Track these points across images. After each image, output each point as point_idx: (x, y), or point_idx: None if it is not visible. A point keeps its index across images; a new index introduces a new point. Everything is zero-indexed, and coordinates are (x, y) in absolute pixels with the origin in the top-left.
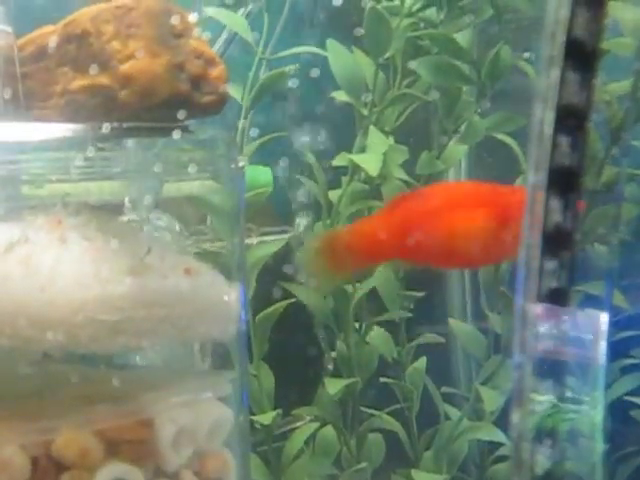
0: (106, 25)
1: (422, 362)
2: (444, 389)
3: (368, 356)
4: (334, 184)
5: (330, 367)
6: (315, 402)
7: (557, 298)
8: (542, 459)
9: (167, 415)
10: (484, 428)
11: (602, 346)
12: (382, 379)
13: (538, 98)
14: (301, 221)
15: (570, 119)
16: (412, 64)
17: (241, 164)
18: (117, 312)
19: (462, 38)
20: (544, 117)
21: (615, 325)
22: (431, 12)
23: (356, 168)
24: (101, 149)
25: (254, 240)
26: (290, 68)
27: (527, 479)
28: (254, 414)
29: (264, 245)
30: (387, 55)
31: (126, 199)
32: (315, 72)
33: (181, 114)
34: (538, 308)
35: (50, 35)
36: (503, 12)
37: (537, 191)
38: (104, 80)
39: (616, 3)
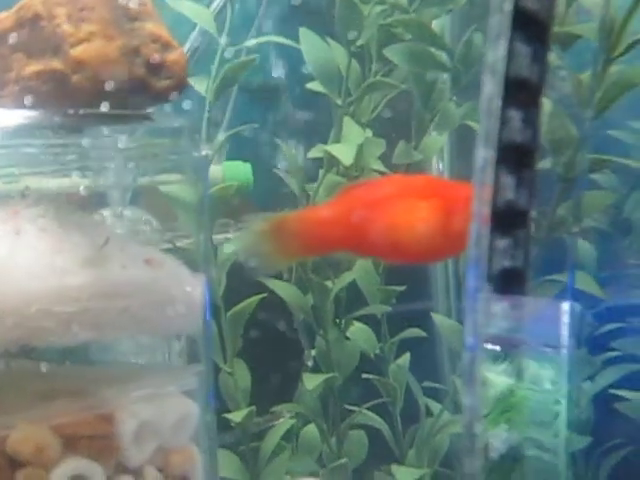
0: (58, 8)
1: (405, 358)
2: (427, 384)
3: (349, 352)
4: (315, 177)
5: (309, 363)
6: (295, 399)
7: (511, 279)
8: (497, 443)
9: (128, 409)
10: None
11: (565, 335)
12: (364, 375)
13: (487, 70)
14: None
15: (521, 93)
16: (386, 51)
17: (204, 153)
18: (73, 303)
19: (436, 25)
20: (493, 91)
21: (595, 317)
22: None
23: (332, 160)
24: (59, 137)
25: (231, 235)
26: (251, 58)
27: (480, 463)
28: (230, 412)
29: (235, 242)
30: (360, 43)
31: (81, 188)
32: (293, 63)
33: (138, 100)
34: (492, 291)
35: (4, 21)
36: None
37: (487, 166)
38: (56, 65)
39: None
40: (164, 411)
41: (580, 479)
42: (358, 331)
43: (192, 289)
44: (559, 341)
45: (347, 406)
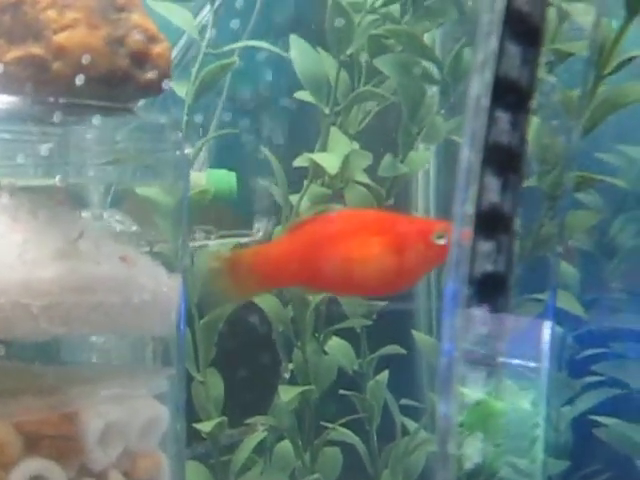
0: None
1: (384, 375)
2: (405, 402)
3: (326, 366)
4: (299, 187)
5: (286, 375)
6: (270, 412)
7: (492, 284)
8: (472, 452)
9: (94, 410)
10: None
11: (544, 354)
12: (342, 392)
13: (475, 69)
14: (261, 225)
15: (510, 94)
16: (376, 61)
17: (186, 151)
18: (43, 296)
19: (427, 38)
20: (481, 90)
21: (576, 340)
22: (395, 9)
23: (317, 169)
24: (39, 126)
25: (211, 242)
26: (231, 61)
27: (453, 473)
28: (201, 421)
29: (213, 248)
30: (349, 52)
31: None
32: (281, 71)
33: (122, 92)
34: (472, 296)
35: None
36: (469, 14)
37: (472, 168)
38: (37, 50)
39: (578, 5)
40: (132, 413)
41: None
42: (337, 346)
43: (168, 290)
44: (539, 361)
45: (323, 422)
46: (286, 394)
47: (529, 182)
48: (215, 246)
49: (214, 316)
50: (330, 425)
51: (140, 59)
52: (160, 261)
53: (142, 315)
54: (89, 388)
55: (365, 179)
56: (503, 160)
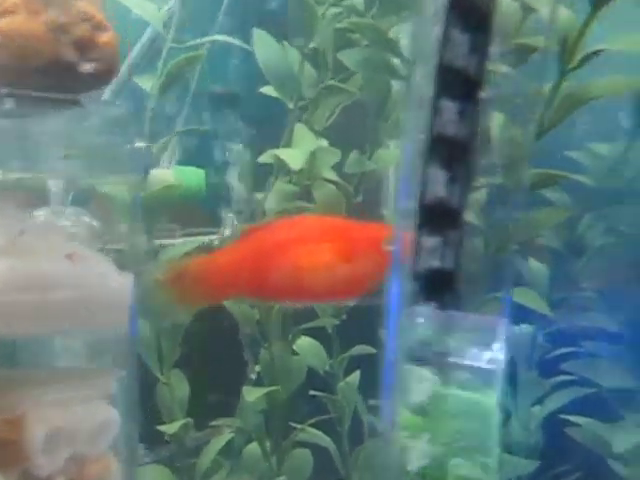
0: None
1: (355, 376)
2: (375, 402)
3: (295, 367)
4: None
5: (253, 377)
6: (237, 414)
7: (440, 280)
8: (417, 455)
9: (39, 414)
10: None
11: (498, 349)
12: (312, 392)
13: (419, 60)
14: (227, 222)
15: (456, 84)
16: (340, 55)
17: (139, 145)
18: None
19: (393, 33)
20: (424, 80)
21: (546, 338)
22: (359, 2)
23: (282, 165)
24: None
25: (176, 240)
26: (198, 54)
27: (398, 474)
28: (164, 424)
29: (178, 246)
30: (313, 46)
31: None
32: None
33: (66, 82)
34: (418, 292)
35: None
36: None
37: (414, 160)
38: None
39: None
40: (80, 417)
41: None
42: (307, 346)
43: (118, 288)
44: (494, 359)
45: (294, 423)
46: (250, 395)
47: (496, 179)
48: (181, 244)
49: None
50: (299, 426)
51: (85, 48)
52: (115, 258)
53: (90, 314)
54: (34, 391)
55: (333, 176)
56: (449, 152)
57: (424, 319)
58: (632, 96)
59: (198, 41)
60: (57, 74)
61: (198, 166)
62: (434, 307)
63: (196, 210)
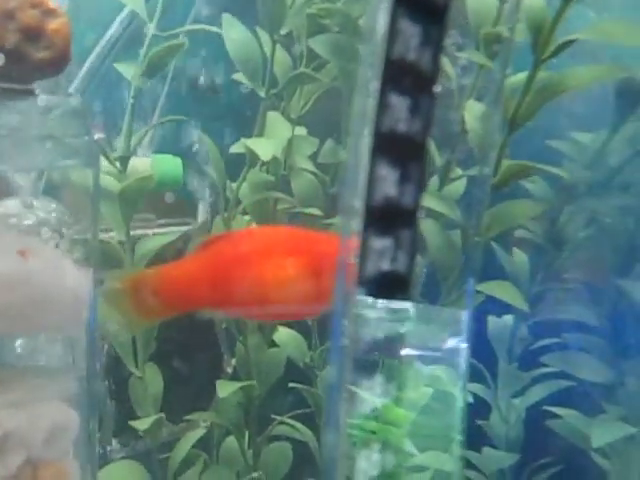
0: None
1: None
2: None
3: (273, 360)
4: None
5: (229, 370)
6: (213, 407)
7: (391, 283)
8: (367, 466)
9: None
10: None
11: (461, 344)
12: (291, 384)
13: (364, 53)
14: (201, 213)
15: (407, 78)
16: (311, 42)
17: (96, 137)
18: None
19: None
20: (371, 73)
21: (527, 331)
22: None
23: (255, 156)
24: None
25: (150, 231)
26: (180, 43)
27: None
28: (138, 419)
29: (156, 237)
30: (284, 32)
31: None
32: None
33: (14, 71)
34: (367, 296)
35: None
36: None
37: (360, 158)
38: None
39: None
40: (35, 420)
41: None
42: (287, 338)
43: (75, 284)
44: (455, 353)
45: (274, 416)
46: (223, 390)
47: (472, 171)
48: (157, 235)
49: None
50: (278, 418)
51: (33, 35)
52: (75, 253)
53: (44, 312)
54: None
55: (310, 166)
56: (400, 150)
57: (373, 314)
58: (615, 85)
59: (180, 29)
60: (4, 62)
61: (175, 154)
62: (384, 309)
63: (175, 200)
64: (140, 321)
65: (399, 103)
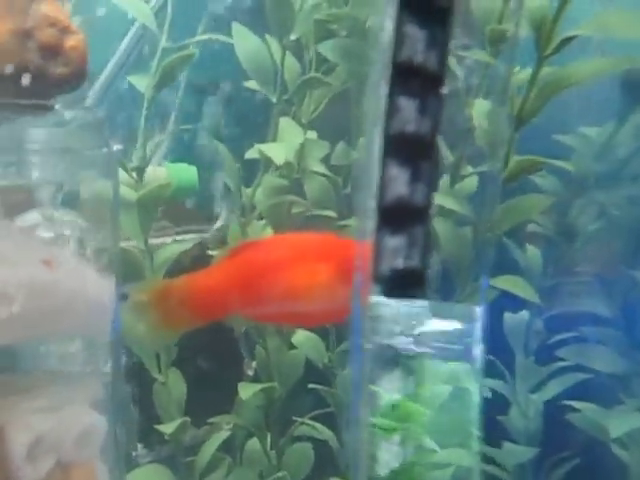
0: None
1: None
2: None
3: (292, 361)
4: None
5: (250, 373)
6: (235, 410)
7: (405, 280)
8: (387, 457)
9: (22, 422)
10: None
11: (476, 339)
12: (311, 385)
13: (374, 57)
14: (219, 220)
15: (414, 80)
16: (320, 47)
17: (115, 148)
18: None
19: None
20: (380, 75)
21: (544, 325)
22: None
23: (269, 161)
24: None
25: (169, 239)
26: (190, 52)
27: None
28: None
29: (174, 245)
30: (293, 38)
31: None
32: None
33: (34, 88)
34: (382, 294)
35: None
36: None
37: (373, 159)
38: None
39: None
40: (65, 424)
41: None
42: (305, 339)
43: (98, 292)
44: (469, 350)
45: (295, 418)
46: (245, 392)
47: (482, 167)
48: (175, 243)
49: None
50: (299, 420)
51: (52, 53)
52: (97, 262)
53: (68, 321)
54: (15, 399)
55: (322, 169)
56: (410, 150)
57: (387, 311)
58: (620, 77)
59: (192, 40)
60: (22, 80)
61: (189, 163)
62: (397, 307)
63: (189, 207)
64: (168, 332)
65: (408, 105)
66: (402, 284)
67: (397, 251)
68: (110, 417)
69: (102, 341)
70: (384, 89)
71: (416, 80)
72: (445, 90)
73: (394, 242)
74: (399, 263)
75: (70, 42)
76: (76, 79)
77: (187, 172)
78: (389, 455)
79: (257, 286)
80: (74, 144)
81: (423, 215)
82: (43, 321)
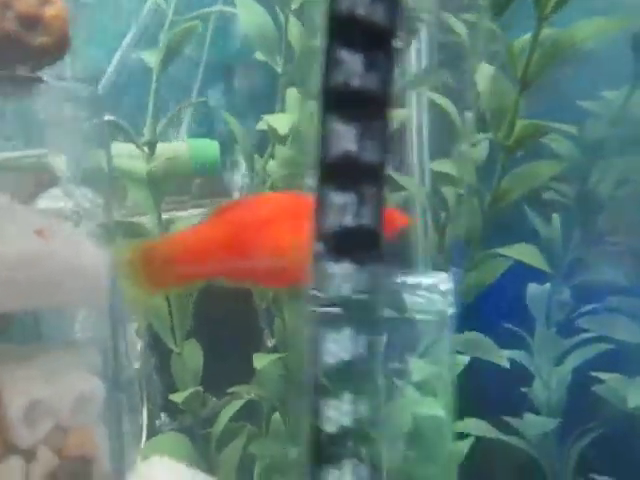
0: None
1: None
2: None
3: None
4: None
5: (270, 343)
6: (254, 381)
7: (358, 239)
8: (337, 415)
9: (18, 388)
10: (424, 402)
11: (446, 304)
12: None
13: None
14: (235, 191)
15: (359, 33)
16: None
17: (107, 118)
18: None
19: None
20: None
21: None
22: None
23: (276, 132)
24: None
25: (186, 212)
26: (194, 24)
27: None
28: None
29: (190, 219)
30: (295, 6)
31: None
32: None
33: (13, 58)
34: (330, 253)
35: None
36: None
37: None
38: None
39: None
40: (62, 389)
41: (552, 460)
42: None
43: (94, 262)
44: (440, 314)
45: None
46: (259, 361)
47: (485, 135)
48: (189, 216)
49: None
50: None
51: (31, 22)
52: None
53: (62, 289)
54: (13, 365)
55: None
56: (356, 105)
57: (337, 270)
58: (632, 38)
59: (200, 12)
60: (3, 50)
61: (207, 137)
62: (349, 266)
63: (212, 182)
64: (152, 292)
65: (351, 59)
66: (353, 243)
67: (345, 208)
68: (109, 383)
69: (99, 309)
70: (325, 41)
71: (359, 34)
72: (397, 45)
73: (341, 199)
74: (348, 220)
75: (50, 11)
76: (58, 49)
77: (209, 147)
78: (338, 413)
79: (242, 243)
80: (66, 115)
81: (376, 173)
82: (36, 290)
